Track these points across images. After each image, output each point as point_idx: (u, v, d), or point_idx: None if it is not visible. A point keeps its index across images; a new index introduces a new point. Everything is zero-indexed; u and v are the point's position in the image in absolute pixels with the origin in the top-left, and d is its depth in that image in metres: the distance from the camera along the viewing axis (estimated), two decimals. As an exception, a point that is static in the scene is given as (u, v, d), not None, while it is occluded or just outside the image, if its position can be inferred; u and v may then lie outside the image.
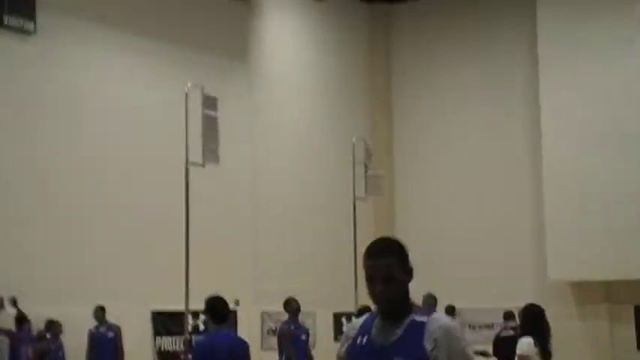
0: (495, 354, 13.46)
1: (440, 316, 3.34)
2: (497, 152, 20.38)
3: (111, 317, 14.11)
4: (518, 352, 8.12)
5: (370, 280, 3.32)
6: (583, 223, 18.22)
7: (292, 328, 12.84)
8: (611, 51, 18.67)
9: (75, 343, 13.98)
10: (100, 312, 13.98)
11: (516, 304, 17.79)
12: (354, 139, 16.04)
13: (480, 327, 19.79)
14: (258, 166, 18.28)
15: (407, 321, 3.29)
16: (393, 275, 3.29)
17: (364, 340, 3.32)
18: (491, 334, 19.37)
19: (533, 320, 8.30)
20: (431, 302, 13.43)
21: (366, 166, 15.49)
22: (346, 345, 3.42)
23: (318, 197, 19.37)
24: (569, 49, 18.99)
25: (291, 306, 13.15)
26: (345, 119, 20.31)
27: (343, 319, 19.68)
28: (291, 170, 19.02)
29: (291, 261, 18.54)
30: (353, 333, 3.41)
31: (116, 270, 14.97)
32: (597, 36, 18.83)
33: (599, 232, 18.02)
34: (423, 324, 3.27)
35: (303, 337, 12.86)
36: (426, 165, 21.20)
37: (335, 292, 18.23)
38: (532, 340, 8.08)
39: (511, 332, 12.79)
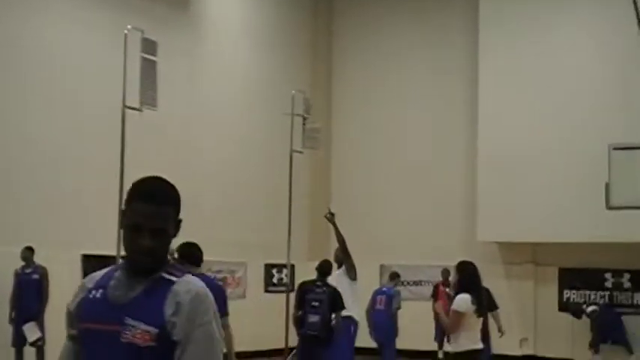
0: None
1: (193, 279, 2.79)
2: (434, 114, 20.54)
3: (40, 259, 13.95)
4: (455, 307, 8.24)
5: (135, 229, 2.72)
6: (513, 187, 18.54)
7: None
8: (551, 17, 18.87)
9: (1, 283, 13.82)
10: (27, 253, 13.78)
11: (446, 263, 18.16)
12: (293, 92, 15.98)
13: (410, 284, 20.12)
14: (196, 115, 18.13)
15: (153, 278, 2.74)
16: (166, 228, 2.76)
17: (98, 293, 2.79)
18: (419, 290, 19.76)
19: (469, 277, 8.43)
20: (393, 277, 15.00)
21: (304, 119, 15.45)
22: (78, 298, 2.88)
23: (255, 148, 19.33)
24: (510, 17, 19.18)
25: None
26: (286, 72, 20.21)
27: (274, 271, 19.81)
28: (228, 120, 18.92)
29: (225, 210, 18.53)
30: (89, 285, 2.87)
31: (47, 212, 14.78)
32: (537, 3, 19.00)
33: (527, 195, 18.37)
34: (170, 283, 2.74)
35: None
36: (363, 121, 21.29)
37: (267, 244, 18.31)
38: (469, 297, 8.20)
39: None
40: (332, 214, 12.06)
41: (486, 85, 19.27)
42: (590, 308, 17.85)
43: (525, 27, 18.94)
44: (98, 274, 2.89)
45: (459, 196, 20.05)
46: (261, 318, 18.45)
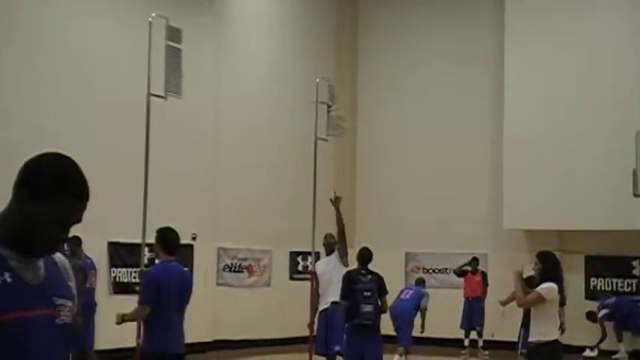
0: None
1: None
2: (460, 103, 20.44)
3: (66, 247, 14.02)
4: (542, 293, 8.25)
5: (60, 223, 2.59)
6: (539, 174, 18.42)
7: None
8: (574, 18, 18.70)
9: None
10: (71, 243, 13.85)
11: (472, 251, 18.09)
12: (317, 80, 15.94)
13: (435, 272, 20.05)
14: (221, 102, 18.15)
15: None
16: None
17: (8, 278, 2.51)
18: (445, 278, 19.69)
19: (553, 266, 8.51)
20: (419, 283, 15.96)
21: (328, 107, 15.40)
22: None
23: (279, 136, 19.33)
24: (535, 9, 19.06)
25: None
26: (311, 60, 20.19)
27: (299, 258, 19.82)
28: (253, 107, 18.92)
29: (250, 198, 18.55)
30: None
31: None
32: (563, 2, 18.85)
33: (553, 183, 18.25)
34: (51, 256, 2.70)
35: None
36: (388, 109, 21.22)
37: (292, 231, 18.30)
38: (556, 287, 8.30)
39: None
40: (338, 198, 11.91)
41: (512, 72, 19.12)
42: (602, 312, 17.88)
43: (554, 10, 18.76)
44: None
45: (485, 183, 19.95)
46: (287, 305, 18.48)
